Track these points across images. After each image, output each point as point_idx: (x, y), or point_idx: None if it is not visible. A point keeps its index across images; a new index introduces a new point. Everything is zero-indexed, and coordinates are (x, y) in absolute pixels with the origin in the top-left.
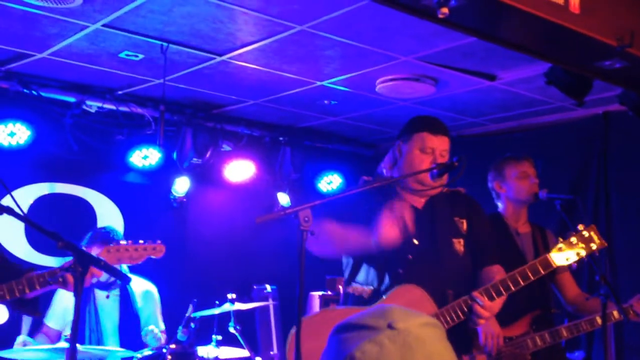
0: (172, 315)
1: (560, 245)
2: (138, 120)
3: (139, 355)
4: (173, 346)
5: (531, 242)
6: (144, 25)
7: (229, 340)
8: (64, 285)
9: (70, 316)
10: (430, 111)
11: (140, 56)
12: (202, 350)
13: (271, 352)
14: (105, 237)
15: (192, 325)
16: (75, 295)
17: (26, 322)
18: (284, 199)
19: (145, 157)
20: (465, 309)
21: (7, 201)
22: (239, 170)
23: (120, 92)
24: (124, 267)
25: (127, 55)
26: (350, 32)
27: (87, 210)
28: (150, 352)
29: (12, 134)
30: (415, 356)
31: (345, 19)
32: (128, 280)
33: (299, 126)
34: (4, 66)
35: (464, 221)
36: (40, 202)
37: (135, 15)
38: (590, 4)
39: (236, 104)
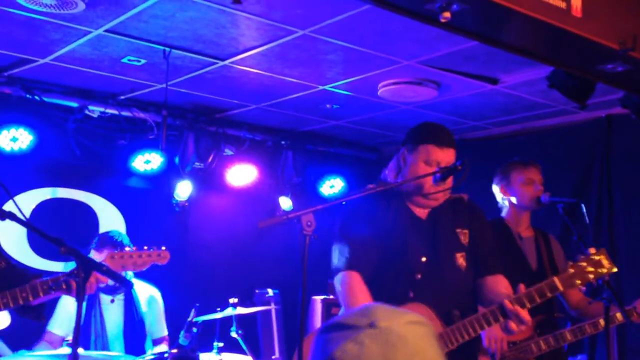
0: (174, 319)
1: (569, 269)
2: (140, 125)
3: None
4: (175, 351)
5: (534, 247)
6: (147, 30)
7: (231, 345)
8: (68, 291)
9: (73, 321)
10: (433, 115)
11: (143, 61)
12: (204, 356)
13: (273, 357)
14: (113, 241)
15: (194, 329)
16: (78, 301)
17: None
18: (286, 203)
19: (148, 161)
20: (493, 321)
21: (9, 206)
22: (241, 174)
23: (122, 97)
24: (129, 273)
25: (130, 60)
26: (353, 36)
27: (89, 215)
28: (152, 357)
29: (14, 139)
30: (397, 355)
31: (347, 23)
32: (130, 285)
33: (301, 130)
34: (7, 71)
35: (466, 232)
36: (43, 207)
37: (137, 21)
38: (593, 7)
39: (238, 108)
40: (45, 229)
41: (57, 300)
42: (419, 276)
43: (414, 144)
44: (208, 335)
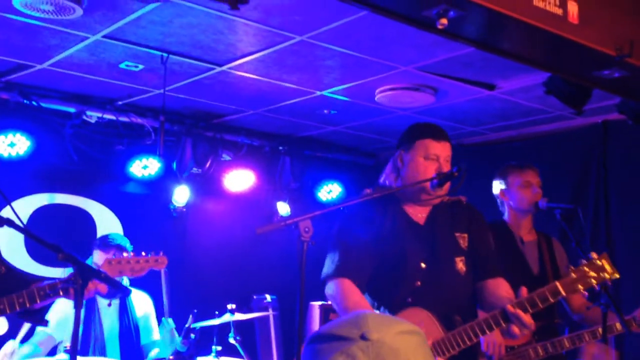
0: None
1: (571, 274)
2: (138, 130)
3: None
4: (172, 358)
5: (536, 251)
6: (144, 36)
7: (229, 351)
8: (66, 294)
9: (71, 326)
10: (430, 120)
11: (141, 67)
12: None
13: None
14: (121, 246)
15: (192, 336)
16: (76, 308)
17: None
18: (283, 208)
19: (145, 167)
20: (495, 326)
21: (7, 212)
22: (239, 179)
23: (120, 103)
24: (124, 279)
25: (127, 65)
26: (350, 42)
27: (87, 221)
28: None
29: (12, 145)
30: None
31: (344, 29)
32: (128, 292)
33: (299, 135)
34: (5, 77)
35: (465, 236)
36: (40, 213)
37: (135, 26)
38: (589, 14)
39: (236, 113)
40: (43, 234)
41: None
42: (419, 283)
43: (410, 142)
44: (206, 342)
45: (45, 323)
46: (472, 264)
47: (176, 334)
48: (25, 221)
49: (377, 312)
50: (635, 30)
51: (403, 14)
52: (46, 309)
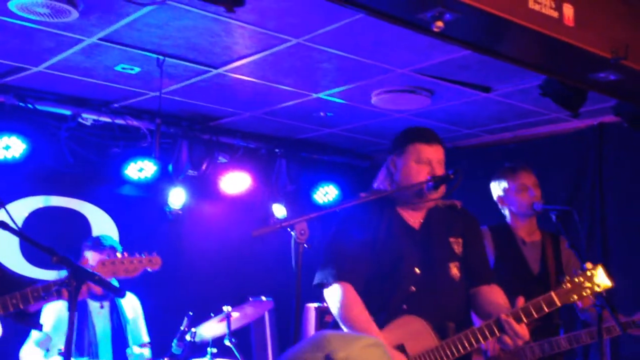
0: (167, 328)
1: (566, 283)
2: (134, 132)
3: None
4: None
5: (538, 251)
6: (140, 38)
7: (225, 353)
8: (59, 296)
9: (64, 328)
10: (426, 123)
11: (137, 69)
12: None
13: None
14: (112, 247)
15: (188, 338)
16: (70, 310)
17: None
18: (280, 210)
19: (141, 169)
20: (489, 335)
21: (1, 215)
22: (235, 182)
23: (116, 105)
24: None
25: (123, 68)
26: (346, 44)
27: (82, 223)
28: None
29: (7, 147)
30: None
31: (341, 32)
32: (123, 294)
33: (295, 138)
34: (0, 80)
35: (460, 240)
36: (36, 215)
37: (131, 29)
38: (585, 17)
39: (232, 116)
40: (38, 237)
41: None
42: (413, 288)
43: (402, 146)
44: (202, 344)
45: (39, 327)
46: (467, 270)
47: None
48: (20, 224)
49: (342, 330)
50: (631, 34)
51: (399, 16)
52: (40, 312)
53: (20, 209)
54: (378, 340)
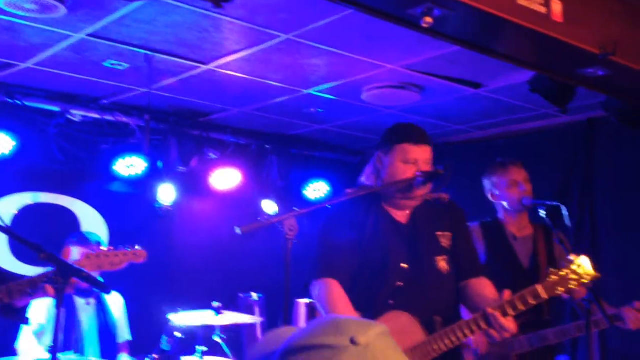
0: (156, 324)
1: (552, 276)
2: (123, 129)
3: None
4: (156, 356)
5: (530, 246)
6: (129, 34)
7: (214, 350)
8: (44, 293)
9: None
10: (416, 118)
11: (125, 65)
12: None
13: None
14: (85, 237)
15: (177, 334)
16: (57, 307)
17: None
18: (270, 207)
19: (130, 166)
20: (476, 329)
21: None
22: (225, 178)
23: (105, 101)
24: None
25: (112, 64)
26: (336, 40)
27: (71, 220)
28: None
29: None
30: None
31: (331, 27)
32: (109, 290)
33: (286, 134)
34: None
35: (448, 234)
36: (25, 212)
37: (119, 25)
38: (573, 13)
39: (222, 112)
40: (27, 234)
41: None
42: (400, 284)
43: (389, 145)
44: (191, 340)
45: (26, 321)
46: (455, 263)
47: None
48: (9, 221)
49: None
50: (619, 29)
51: (388, 12)
52: (27, 307)
53: (9, 206)
54: (386, 328)
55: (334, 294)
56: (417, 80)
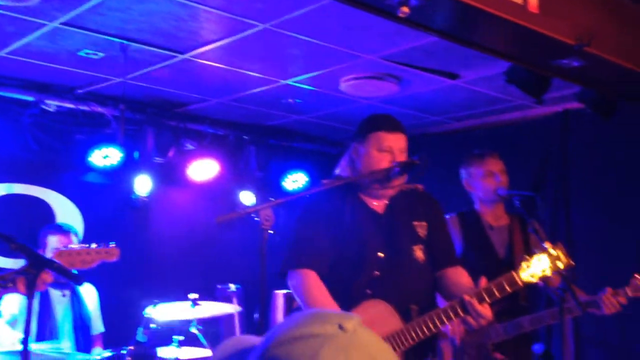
0: (132, 316)
1: (527, 263)
2: (98, 119)
3: (97, 357)
4: (132, 348)
5: (506, 236)
6: (104, 23)
7: (191, 341)
8: (15, 288)
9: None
10: (394, 109)
11: (100, 54)
12: (162, 351)
13: None
14: (61, 227)
15: (153, 326)
16: (28, 298)
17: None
18: (248, 198)
19: (106, 156)
20: (453, 316)
21: None
22: (203, 169)
23: (80, 91)
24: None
25: (87, 53)
26: (314, 30)
27: (46, 211)
28: (109, 354)
29: None
30: (377, 357)
31: (308, 17)
32: (81, 281)
33: (264, 125)
34: None
35: (424, 224)
36: None
37: (94, 13)
38: (549, 3)
39: (199, 102)
40: (1, 225)
41: None
42: (377, 273)
43: (364, 134)
44: (168, 331)
45: None
46: (431, 253)
47: None
48: None
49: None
50: (594, 20)
51: (365, 2)
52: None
53: None
54: (360, 318)
55: (312, 285)
56: (395, 71)
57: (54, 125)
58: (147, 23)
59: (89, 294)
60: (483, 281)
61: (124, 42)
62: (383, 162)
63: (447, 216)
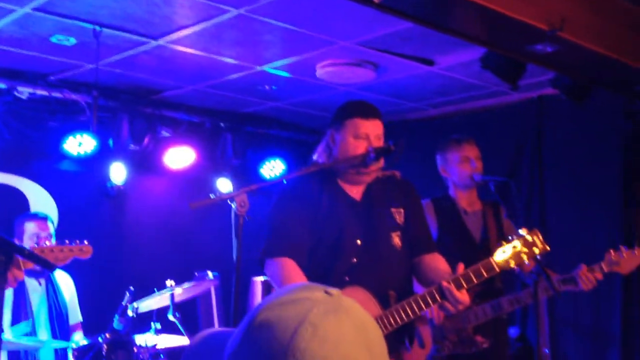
0: (109, 304)
1: (503, 248)
2: (72, 106)
3: (74, 346)
4: (109, 335)
5: (480, 220)
6: (75, 8)
7: (169, 328)
8: None
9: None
10: (371, 96)
11: (72, 40)
12: (139, 339)
13: None
14: (37, 214)
15: (130, 313)
16: (0, 286)
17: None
18: (225, 185)
19: (80, 144)
20: (432, 302)
21: None
22: (179, 157)
23: (52, 78)
24: None
25: (59, 39)
26: (289, 16)
27: (19, 200)
28: (85, 342)
29: None
30: (363, 319)
31: (283, 2)
32: (53, 267)
33: (240, 112)
34: None
35: (401, 210)
36: None
37: None
38: None
39: (174, 89)
40: None
41: None
42: (355, 260)
43: (340, 121)
44: (145, 319)
45: None
46: (408, 239)
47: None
48: None
49: None
50: (567, 5)
51: None
52: None
53: None
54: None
55: (290, 272)
56: (372, 57)
57: (27, 113)
58: (120, 8)
59: (65, 282)
60: (460, 267)
61: (96, 27)
62: (359, 148)
63: (422, 202)
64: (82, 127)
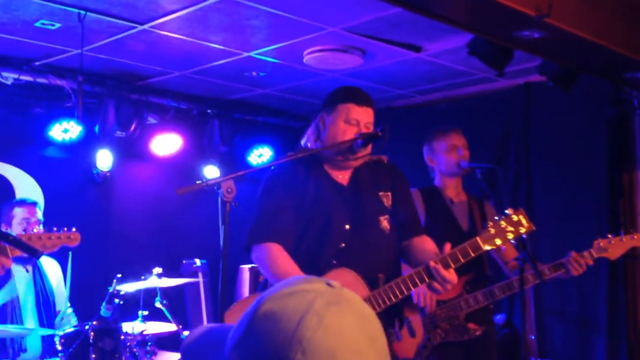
0: (96, 291)
1: (489, 228)
2: (57, 92)
3: (61, 333)
4: (96, 323)
5: (466, 210)
6: None
7: (156, 316)
8: None
9: None
10: (359, 83)
11: (57, 25)
12: (127, 326)
13: None
14: (25, 200)
15: (117, 301)
16: None
17: None
18: (212, 172)
19: (66, 130)
20: (419, 282)
21: None
22: (166, 143)
23: (37, 63)
24: None
25: (43, 24)
26: (276, 1)
27: (4, 187)
28: (72, 329)
29: None
30: (363, 310)
31: None
32: (39, 254)
33: (228, 98)
34: None
35: (389, 194)
36: None
37: None
38: None
39: (161, 75)
40: None
41: None
42: (343, 245)
43: (333, 104)
44: (132, 306)
45: None
46: (397, 223)
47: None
48: None
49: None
50: None
51: None
52: None
53: None
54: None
55: (277, 256)
56: (359, 43)
57: (12, 99)
58: None
59: (52, 269)
60: (447, 247)
61: (81, 12)
62: (348, 133)
63: (410, 190)
64: (68, 114)
